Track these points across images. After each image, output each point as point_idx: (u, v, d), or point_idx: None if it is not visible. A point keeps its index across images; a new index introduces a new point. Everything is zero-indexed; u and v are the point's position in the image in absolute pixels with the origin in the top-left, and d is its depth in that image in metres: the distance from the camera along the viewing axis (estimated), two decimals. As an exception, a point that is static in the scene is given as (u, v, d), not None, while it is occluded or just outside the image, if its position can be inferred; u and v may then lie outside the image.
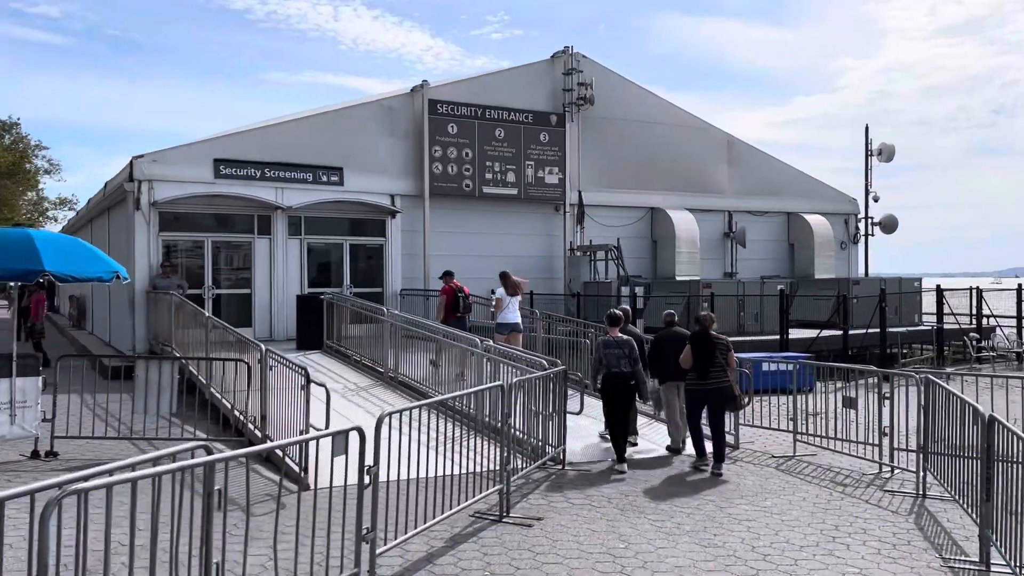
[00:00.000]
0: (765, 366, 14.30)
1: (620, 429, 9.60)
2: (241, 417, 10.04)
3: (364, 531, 5.22)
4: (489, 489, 7.37)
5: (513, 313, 13.64)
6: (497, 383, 8.05)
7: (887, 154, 28.47)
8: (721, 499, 8.29)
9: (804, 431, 10.82)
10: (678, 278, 22.45)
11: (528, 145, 21.98)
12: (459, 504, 6.93)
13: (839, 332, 20.24)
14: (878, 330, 20.52)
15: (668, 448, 10.47)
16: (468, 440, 7.64)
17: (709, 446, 9.71)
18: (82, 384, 9.78)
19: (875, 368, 11.58)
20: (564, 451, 9.45)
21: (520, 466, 8.38)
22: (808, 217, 26.25)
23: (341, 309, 15.88)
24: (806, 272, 25.62)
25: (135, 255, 17.56)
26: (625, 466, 9.44)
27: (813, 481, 9.19)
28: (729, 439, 10.99)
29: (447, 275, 15.19)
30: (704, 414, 9.88)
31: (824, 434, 10.51)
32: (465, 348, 11.21)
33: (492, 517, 7.33)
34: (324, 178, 19.50)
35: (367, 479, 5.22)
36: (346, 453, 5.09)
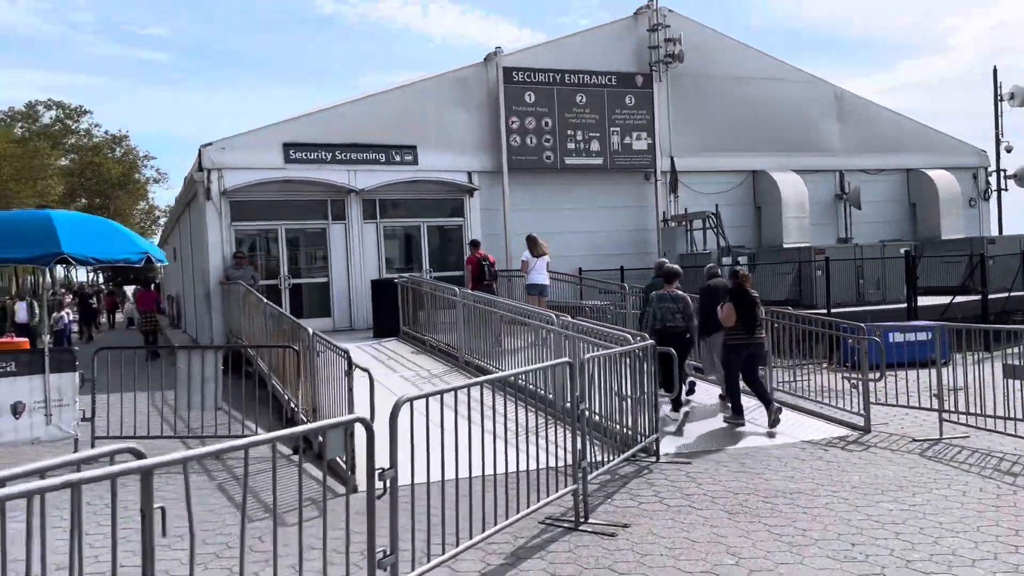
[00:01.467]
0: (892, 336, 12.40)
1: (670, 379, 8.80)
2: (294, 407, 9.02)
3: (380, 554, 3.96)
4: (563, 488, 6.00)
5: (540, 274, 13.82)
6: (564, 359, 6.66)
7: (1020, 98, 25.37)
8: (856, 495, 6.66)
9: (952, 409, 8.99)
10: (785, 246, 20.40)
11: (612, 110, 20.36)
12: (523, 509, 5.59)
13: (976, 297, 17.87)
14: (1022, 293, 18.04)
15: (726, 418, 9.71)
16: (541, 428, 6.30)
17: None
18: (121, 378, 8.96)
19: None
20: (658, 440, 7.99)
21: (603, 459, 6.98)
22: (931, 173, 23.60)
23: (416, 293, 14.79)
24: (931, 234, 23.03)
25: (208, 246, 16.99)
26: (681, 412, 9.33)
27: (972, 470, 7.41)
28: (857, 419, 9.32)
29: (474, 244, 15.41)
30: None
31: (979, 412, 8.65)
32: (539, 325, 9.86)
33: (566, 524, 5.97)
34: (397, 158, 18.49)
35: (379, 485, 3.95)
36: (344, 452, 3.85)
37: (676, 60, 20.80)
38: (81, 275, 72.21)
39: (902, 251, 18.43)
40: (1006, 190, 25.51)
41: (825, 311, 15.65)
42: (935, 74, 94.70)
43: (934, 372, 9.24)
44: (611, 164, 20.34)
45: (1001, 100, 25.63)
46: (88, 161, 58.41)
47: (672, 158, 21.02)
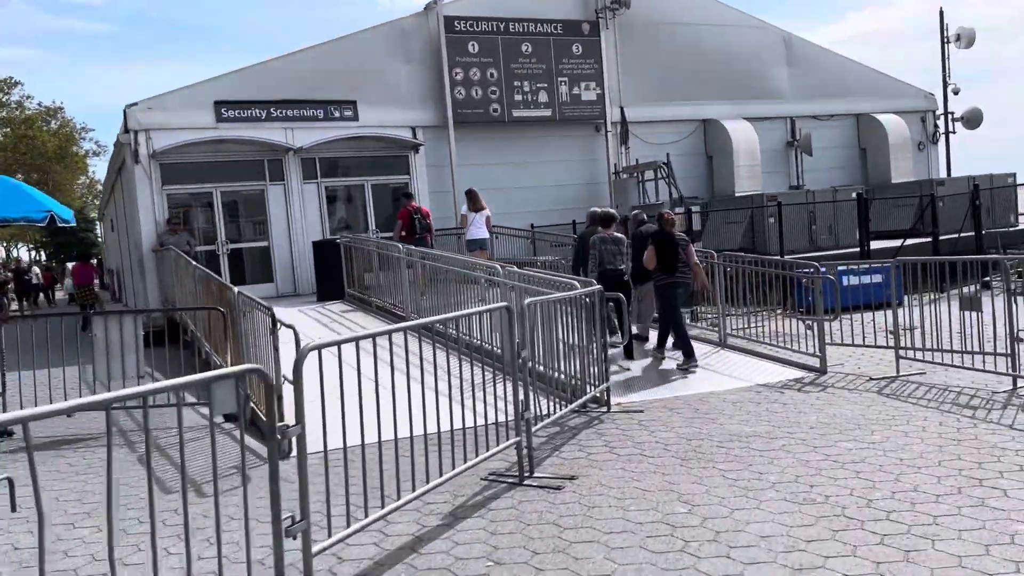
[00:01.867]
0: (847, 279, 12.22)
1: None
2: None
3: (287, 521, 3.49)
4: (507, 441, 5.59)
5: (480, 229, 13.61)
6: (502, 304, 6.20)
7: (966, 39, 25.31)
8: (813, 436, 6.37)
9: (908, 346, 8.77)
10: (738, 194, 20.15)
11: (560, 60, 19.78)
12: (461, 464, 5.17)
13: (927, 238, 17.83)
14: (972, 233, 18.04)
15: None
16: (488, 384, 5.86)
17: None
18: (31, 349, 8.31)
19: (1003, 256, 9.35)
20: (608, 389, 7.63)
21: (550, 411, 6.59)
22: (881, 117, 23.47)
23: (359, 252, 14.21)
24: (882, 179, 22.96)
25: (138, 212, 16.16)
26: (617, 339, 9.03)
27: (931, 406, 7.18)
28: (813, 361, 9.07)
29: (406, 196, 15.07)
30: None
31: (935, 347, 8.44)
32: (483, 277, 9.40)
33: (510, 479, 5.58)
34: (337, 113, 17.73)
35: (285, 444, 3.48)
36: (238, 407, 3.37)
37: (623, 6, 20.21)
38: (22, 254, 70.06)
39: (854, 194, 18.28)
40: (954, 133, 25.53)
41: (778, 257, 15.44)
42: (881, 25, 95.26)
43: (889, 313, 9.02)
44: (560, 116, 19.81)
45: (947, 42, 25.55)
46: (21, 135, 56.19)
47: (622, 108, 20.55)
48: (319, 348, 3.91)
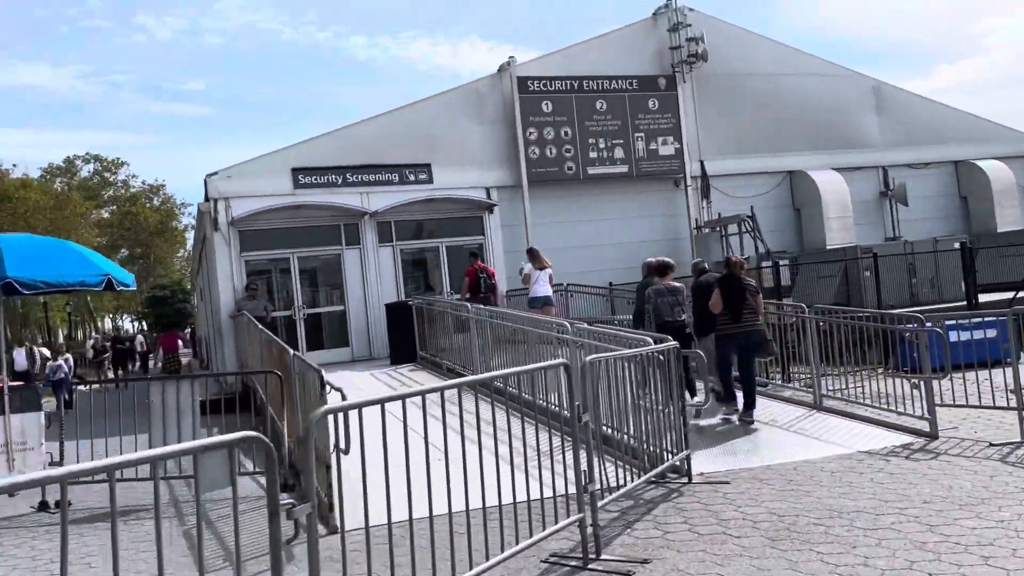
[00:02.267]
0: (955, 334, 11.12)
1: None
2: (287, 437, 8.12)
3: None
4: (568, 518, 4.95)
5: (543, 286, 13.40)
6: (560, 360, 5.61)
7: (1073, 79, 23.77)
8: (929, 512, 5.50)
9: (1034, 407, 7.74)
10: (829, 247, 19.12)
11: (636, 115, 19.40)
12: (518, 543, 4.56)
13: (1043, 289, 16.37)
14: (1094, 282, 16.50)
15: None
16: (550, 450, 5.28)
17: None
18: (91, 418, 8.16)
19: None
20: (688, 458, 6.90)
21: (622, 480, 5.92)
22: (981, 163, 22.13)
23: (430, 313, 13.88)
24: (986, 227, 21.50)
25: (217, 278, 16.34)
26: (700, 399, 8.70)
27: (1068, 476, 6.19)
28: (922, 424, 8.11)
29: (472, 256, 15.24)
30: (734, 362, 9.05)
31: (1067, 408, 7.40)
32: (549, 333, 8.85)
33: (574, 561, 4.93)
34: (411, 176, 17.72)
35: (292, 524, 2.99)
36: (230, 482, 2.90)
37: (700, 59, 19.81)
38: (126, 325, 73.27)
39: (957, 244, 17.06)
40: (1065, 177, 23.82)
41: (877, 310, 14.37)
42: (973, 76, 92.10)
43: (1006, 370, 8.02)
44: (637, 171, 19.34)
45: (1052, 83, 24.07)
46: (126, 211, 59.26)
47: (702, 162, 19.96)
48: (344, 411, 3.44)
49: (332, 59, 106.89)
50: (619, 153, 19.21)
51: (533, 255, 13.92)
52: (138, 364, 37.52)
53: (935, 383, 8.27)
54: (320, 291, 17.63)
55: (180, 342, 24.57)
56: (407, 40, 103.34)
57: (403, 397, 4.20)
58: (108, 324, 70.81)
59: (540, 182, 18.46)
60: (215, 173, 16.42)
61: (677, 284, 9.66)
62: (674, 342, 6.93)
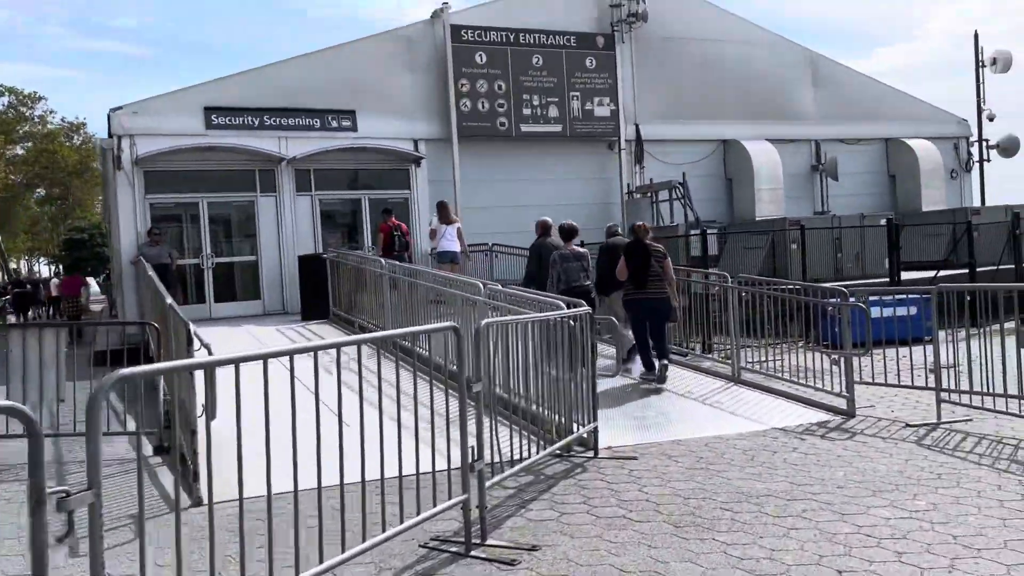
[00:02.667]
0: (877, 310, 10.98)
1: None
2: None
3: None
4: (450, 500, 4.43)
5: (451, 242, 13.06)
6: (448, 324, 5.05)
7: (1003, 63, 24.03)
8: (842, 498, 5.17)
9: (952, 388, 7.55)
10: (759, 218, 18.98)
11: (572, 73, 18.79)
12: (391, 528, 4.03)
13: (963, 270, 16.52)
14: (1012, 265, 16.73)
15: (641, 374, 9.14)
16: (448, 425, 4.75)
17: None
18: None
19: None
20: (596, 430, 6.47)
21: (525, 453, 5.44)
22: (911, 143, 22.25)
23: (345, 269, 13.17)
24: (911, 206, 21.68)
25: (119, 222, 15.26)
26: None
27: (984, 462, 5.96)
28: (839, 402, 7.87)
29: (385, 212, 14.79)
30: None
31: (985, 390, 7.21)
32: (461, 295, 8.28)
33: (455, 547, 4.43)
34: (335, 123, 16.81)
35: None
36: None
37: (640, 19, 19.25)
38: (43, 270, 70.06)
39: (883, 221, 17.06)
40: (988, 161, 24.20)
41: (801, 283, 14.23)
42: (909, 59, 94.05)
43: (927, 349, 7.82)
44: (571, 131, 18.78)
45: (983, 66, 24.32)
46: (42, 148, 56.15)
47: (637, 126, 19.51)
48: (192, 368, 2.81)
49: (271, 2, 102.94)
50: (553, 112, 18.60)
51: (442, 208, 13.54)
52: (49, 310, 35.64)
53: (855, 360, 8.02)
54: (232, 241, 16.68)
55: (86, 287, 23.13)
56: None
57: (265, 357, 3.59)
58: (24, 267, 67.67)
59: (471, 136, 17.75)
60: (120, 108, 15.23)
61: (582, 249, 9.58)
62: (587, 307, 6.45)
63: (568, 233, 9.61)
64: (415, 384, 4.41)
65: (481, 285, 8.00)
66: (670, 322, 9.51)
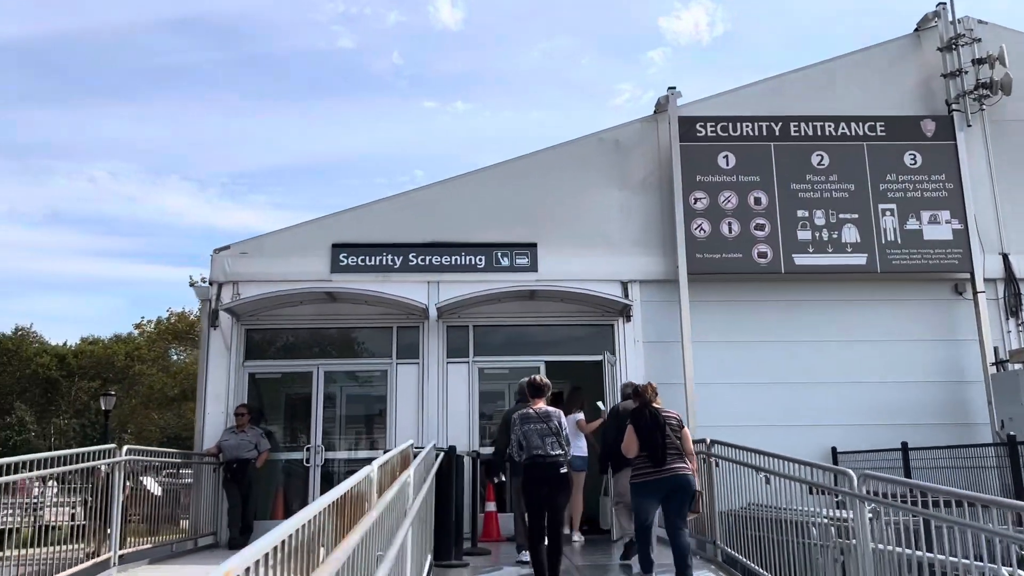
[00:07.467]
0: None
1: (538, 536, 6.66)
2: None
3: None
4: None
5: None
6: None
7: None
8: None
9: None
10: None
11: (883, 176, 12.01)
12: None
13: None
14: None
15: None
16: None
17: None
18: None
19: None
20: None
21: None
22: None
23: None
24: None
25: (206, 398, 11.30)
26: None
27: None
28: None
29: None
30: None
31: None
32: None
33: None
34: (505, 262, 11.79)
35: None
36: None
37: (998, 91, 12.14)
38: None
39: None
40: None
41: None
42: None
43: None
44: (883, 265, 11.71)
45: None
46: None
47: (1005, 256, 11.89)
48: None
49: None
50: (851, 235, 11.79)
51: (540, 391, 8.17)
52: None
53: None
54: (352, 422, 11.90)
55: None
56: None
57: None
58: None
59: (708, 274, 11.58)
60: (226, 248, 11.73)
61: (551, 408, 7.08)
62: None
63: (536, 390, 7.24)
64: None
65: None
66: (692, 512, 6.78)
